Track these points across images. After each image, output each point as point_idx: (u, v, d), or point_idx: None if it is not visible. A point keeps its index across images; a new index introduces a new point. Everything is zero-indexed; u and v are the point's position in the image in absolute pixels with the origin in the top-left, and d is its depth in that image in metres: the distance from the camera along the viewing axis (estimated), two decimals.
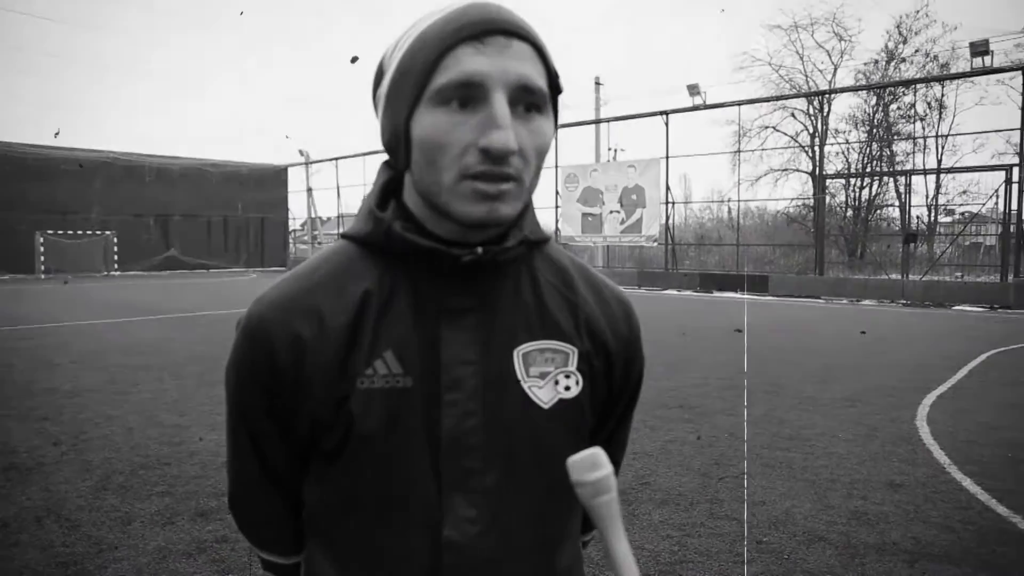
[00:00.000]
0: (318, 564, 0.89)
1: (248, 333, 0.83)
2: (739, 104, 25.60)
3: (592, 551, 3.39)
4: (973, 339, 11.31)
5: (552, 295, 0.88)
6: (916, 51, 31.27)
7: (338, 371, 0.80)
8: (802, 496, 4.26)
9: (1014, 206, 19.06)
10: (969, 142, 36.13)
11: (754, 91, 35.75)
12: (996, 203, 20.75)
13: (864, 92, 30.26)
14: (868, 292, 20.10)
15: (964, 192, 28.10)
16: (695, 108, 24.76)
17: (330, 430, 0.81)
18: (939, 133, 29.65)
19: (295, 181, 41.64)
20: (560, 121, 0.86)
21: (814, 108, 32.21)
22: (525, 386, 0.84)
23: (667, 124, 25.45)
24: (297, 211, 42.76)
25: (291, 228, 43.38)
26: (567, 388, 0.86)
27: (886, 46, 31.66)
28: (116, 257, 33.29)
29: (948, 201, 28.05)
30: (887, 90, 29.84)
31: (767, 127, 32.60)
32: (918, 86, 27.99)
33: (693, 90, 24.34)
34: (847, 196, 32.28)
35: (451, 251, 0.79)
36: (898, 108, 31.08)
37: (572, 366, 0.87)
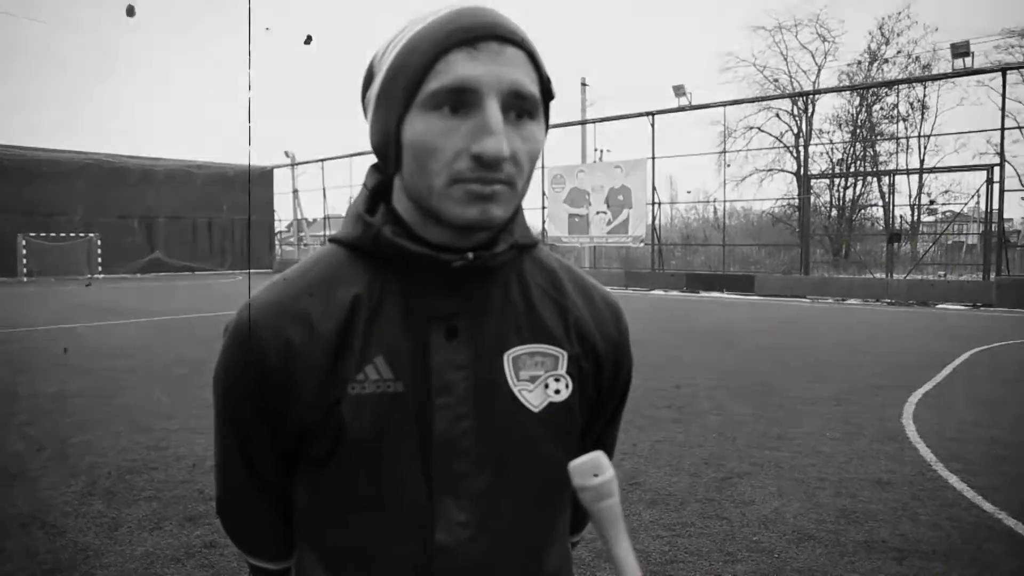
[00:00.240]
0: (309, 569, 0.88)
1: (237, 338, 0.82)
2: (724, 105, 25.75)
3: (581, 551, 3.40)
4: (957, 337, 11.42)
5: (541, 299, 0.88)
6: (898, 52, 31.64)
7: (329, 376, 0.80)
8: (791, 495, 4.29)
9: (996, 206, 19.29)
10: (951, 142, 36.52)
11: (739, 92, 35.99)
12: (978, 203, 21.02)
13: (847, 93, 30.56)
14: (853, 291, 20.27)
15: (946, 192, 28.44)
16: (681, 109, 24.87)
17: (321, 435, 0.80)
18: (921, 133, 29.99)
19: (281, 182, 41.49)
20: None
21: (798, 109, 32.48)
22: (515, 390, 0.84)
23: (653, 125, 25.56)
24: (283, 213, 42.61)
25: (277, 230, 43.16)
26: (557, 392, 0.86)
27: (869, 47, 31.99)
28: (100, 260, 32.97)
29: (931, 201, 28.35)
30: (870, 91, 30.15)
31: (752, 128, 32.85)
32: (900, 87, 28.30)
33: (679, 91, 24.45)
34: (831, 196, 32.57)
35: (442, 256, 0.79)
36: (881, 108, 31.43)
37: (562, 370, 0.86)
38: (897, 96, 29.97)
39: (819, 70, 33.70)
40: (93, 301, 18.86)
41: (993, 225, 19.48)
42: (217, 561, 3.40)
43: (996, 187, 19.17)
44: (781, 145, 33.09)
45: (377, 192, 0.86)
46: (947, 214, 27.98)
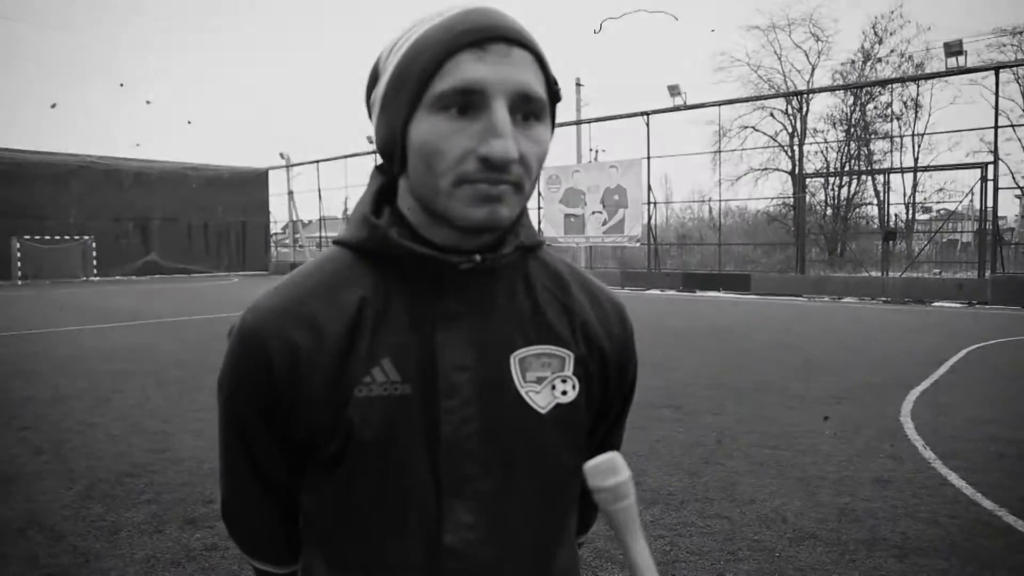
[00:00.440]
0: (316, 572, 0.88)
1: (242, 342, 0.81)
2: (719, 104, 25.79)
3: (583, 551, 3.39)
4: (953, 335, 11.46)
5: (547, 299, 0.88)
6: (892, 51, 31.74)
7: (335, 379, 0.79)
8: (791, 494, 4.29)
9: (990, 203, 19.36)
10: (945, 140, 36.68)
11: (733, 91, 36.04)
12: (971, 201, 21.08)
13: (841, 92, 30.62)
14: (849, 290, 20.32)
15: (940, 190, 28.54)
16: (676, 109, 24.90)
17: (328, 439, 0.80)
18: (915, 132, 30.08)
19: (276, 184, 41.42)
20: None
21: (793, 108, 32.56)
22: (522, 391, 0.83)
23: (648, 125, 25.59)
24: (278, 214, 42.54)
25: (272, 231, 43.09)
26: (564, 392, 0.85)
27: (862, 46, 32.08)
28: (95, 262, 32.86)
29: (925, 199, 28.45)
30: (864, 90, 30.22)
31: (747, 127, 32.90)
32: (894, 86, 28.36)
33: (674, 91, 24.48)
34: (826, 195, 32.64)
35: (449, 259, 0.79)
36: (875, 107, 31.53)
37: (568, 371, 0.86)
38: (891, 95, 30.06)
39: (813, 69, 33.80)
40: (89, 304, 18.80)
41: (988, 223, 19.55)
42: (218, 564, 3.39)
43: (990, 185, 19.24)
44: (776, 144, 33.19)
45: (382, 194, 0.86)
46: (941, 212, 28.09)
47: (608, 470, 0.74)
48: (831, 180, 32.13)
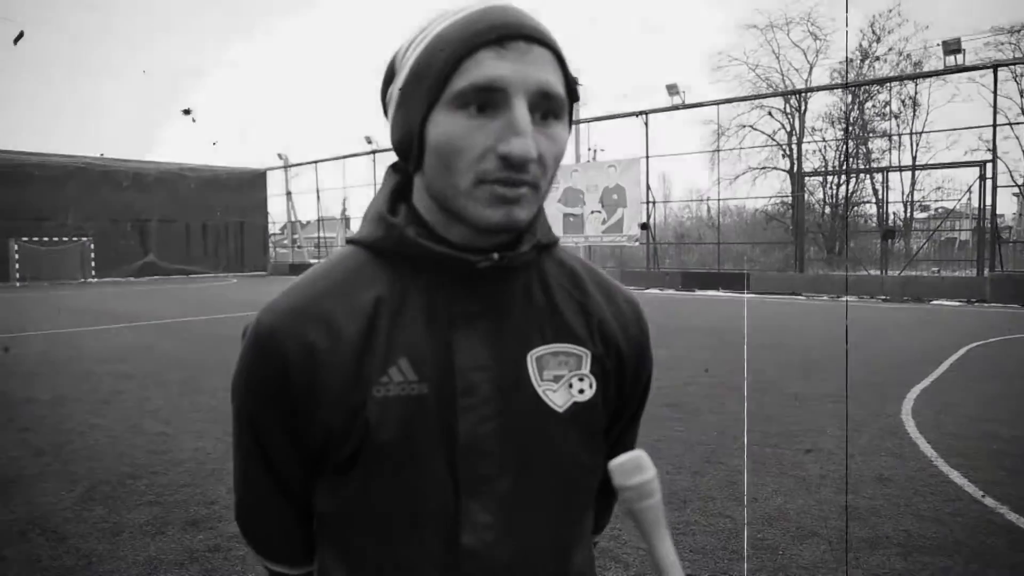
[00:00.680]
0: (331, 573, 0.87)
1: (258, 343, 0.80)
2: (717, 104, 25.84)
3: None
4: (952, 333, 11.47)
5: (564, 298, 0.87)
6: (890, 50, 31.78)
7: (353, 380, 0.79)
8: (794, 492, 4.29)
9: (988, 202, 19.39)
10: (943, 139, 36.66)
11: (731, 90, 36.03)
12: (970, 199, 21.11)
13: (839, 90, 30.63)
14: (848, 288, 20.32)
15: (939, 188, 28.58)
16: (674, 108, 24.92)
17: (345, 439, 0.79)
18: (913, 130, 30.10)
19: (274, 184, 41.39)
20: None
21: (791, 107, 32.56)
22: (539, 390, 0.83)
23: (647, 124, 25.60)
24: (277, 215, 42.50)
25: (270, 232, 43.06)
26: (581, 391, 0.85)
27: (860, 45, 32.09)
28: (93, 264, 32.82)
29: (923, 197, 28.48)
30: (862, 88, 30.23)
31: (745, 126, 32.91)
32: (892, 84, 28.37)
33: (672, 90, 24.50)
34: (824, 193, 32.67)
35: (468, 257, 0.78)
36: (873, 106, 31.53)
37: (585, 369, 0.86)
38: (889, 93, 30.06)
39: (811, 68, 33.81)
40: (88, 306, 18.78)
41: (986, 221, 19.57)
42: (221, 565, 3.39)
43: (988, 183, 19.27)
44: (774, 143, 33.20)
45: (397, 192, 0.86)
46: (940, 210, 28.12)
47: (634, 468, 0.73)
48: (829, 179, 32.16)
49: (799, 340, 10.96)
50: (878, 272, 21.29)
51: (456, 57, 0.73)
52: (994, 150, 19.53)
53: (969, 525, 3.78)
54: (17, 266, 30.35)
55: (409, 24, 0.81)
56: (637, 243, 25.84)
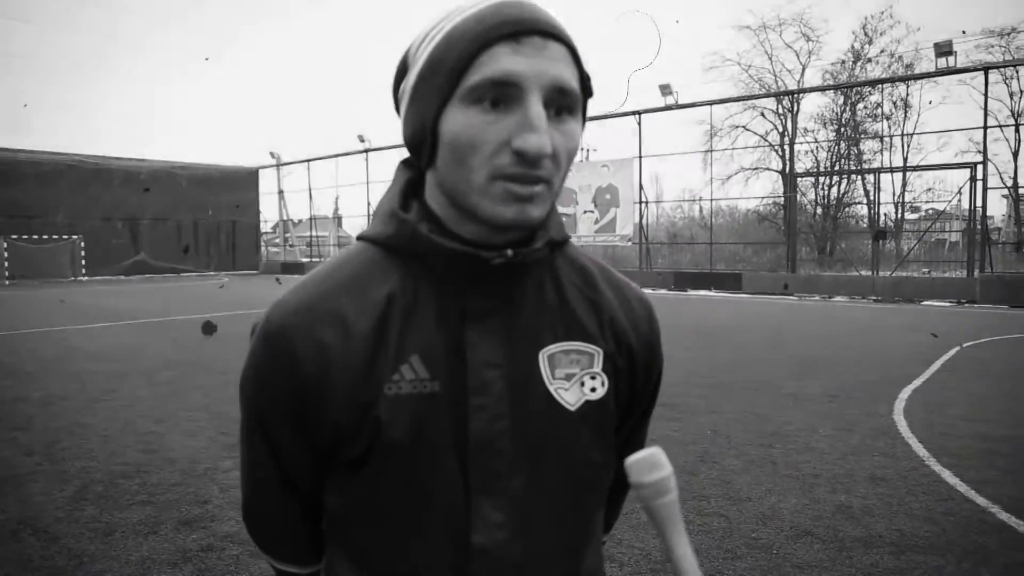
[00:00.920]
0: (340, 572, 0.86)
1: (268, 341, 0.80)
2: (710, 104, 25.89)
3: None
4: (943, 334, 11.53)
5: (575, 295, 0.87)
6: (881, 51, 31.93)
7: (364, 377, 0.78)
8: (787, 492, 4.30)
9: (978, 203, 19.50)
10: (934, 140, 36.93)
11: (724, 91, 36.16)
12: (960, 201, 21.23)
13: (832, 92, 30.78)
14: (839, 289, 20.43)
15: (929, 190, 28.74)
16: (667, 108, 24.96)
17: (356, 437, 0.79)
18: (905, 132, 30.28)
19: (266, 183, 41.24)
20: None
21: (783, 108, 32.70)
22: (551, 388, 0.82)
23: (640, 124, 25.64)
24: (269, 214, 42.34)
25: (262, 231, 42.90)
26: (593, 389, 0.84)
27: (852, 46, 32.26)
28: (84, 262, 32.61)
29: (914, 199, 28.64)
30: (854, 89, 30.39)
31: (737, 127, 33.02)
32: (884, 86, 28.53)
33: (665, 90, 24.53)
34: (816, 194, 32.81)
35: (481, 254, 0.77)
36: (865, 107, 31.72)
37: (597, 367, 0.85)
38: (881, 95, 30.24)
39: (803, 69, 33.95)
40: (78, 304, 18.66)
41: (976, 223, 19.69)
42: (215, 565, 3.37)
43: (979, 185, 19.38)
44: (766, 144, 33.31)
45: (409, 188, 0.85)
46: (930, 212, 28.27)
47: (651, 465, 0.73)
48: (821, 179, 32.31)
49: (792, 340, 11.00)
50: (869, 273, 21.38)
51: (471, 51, 0.72)
52: (984, 152, 19.66)
53: (961, 524, 3.80)
54: (7, 264, 30.12)
55: (409, 24, 0.81)
56: (630, 243, 25.88)
